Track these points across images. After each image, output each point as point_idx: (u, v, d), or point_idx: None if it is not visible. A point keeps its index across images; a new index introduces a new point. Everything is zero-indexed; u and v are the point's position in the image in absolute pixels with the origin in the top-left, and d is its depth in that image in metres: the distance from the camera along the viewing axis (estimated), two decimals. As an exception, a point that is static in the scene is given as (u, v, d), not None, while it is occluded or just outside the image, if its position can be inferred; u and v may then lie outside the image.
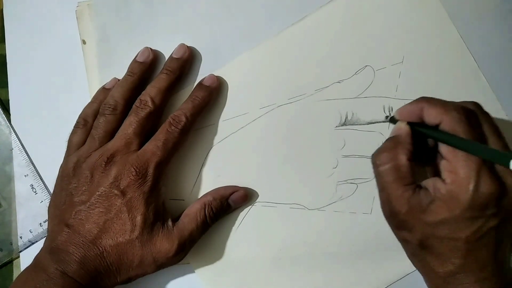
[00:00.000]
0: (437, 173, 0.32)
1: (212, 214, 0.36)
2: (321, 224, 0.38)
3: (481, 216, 0.29)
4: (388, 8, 0.39)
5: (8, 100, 0.41)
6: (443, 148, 0.30)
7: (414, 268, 0.34)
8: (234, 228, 0.39)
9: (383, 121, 0.39)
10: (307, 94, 0.39)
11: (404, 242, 0.33)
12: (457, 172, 0.29)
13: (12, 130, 0.40)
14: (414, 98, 0.33)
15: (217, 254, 0.39)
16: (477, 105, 0.32)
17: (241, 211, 0.39)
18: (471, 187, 0.29)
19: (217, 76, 0.38)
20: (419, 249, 0.32)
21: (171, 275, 0.39)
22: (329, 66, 0.39)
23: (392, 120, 0.34)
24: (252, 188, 0.39)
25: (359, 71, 0.39)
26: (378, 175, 0.32)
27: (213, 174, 0.39)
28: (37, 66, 0.41)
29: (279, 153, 0.39)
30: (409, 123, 0.32)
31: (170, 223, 0.35)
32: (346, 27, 0.39)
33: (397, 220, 0.32)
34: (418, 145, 0.33)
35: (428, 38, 0.39)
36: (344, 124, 0.39)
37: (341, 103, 0.39)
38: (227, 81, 0.39)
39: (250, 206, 0.39)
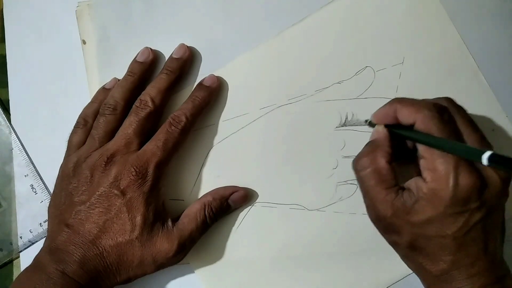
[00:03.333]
0: (420, 172, 0.31)
1: (212, 214, 0.36)
2: (321, 224, 0.38)
3: (465, 211, 0.29)
4: (388, 9, 0.39)
5: (8, 100, 0.41)
6: (420, 147, 0.30)
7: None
8: (234, 228, 0.39)
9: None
10: (307, 94, 0.39)
11: (394, 245, 0.33)
12: (435, 169, 0.29)
13: (12, 130, 0.40)
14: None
15: (217, 254, 0.39)
16: (449, 100, 0.32)
17: (241, 211, 0.39)
18: (450, 182, 0.28)
19: (217, 76, 0.38)
20: (409, 251, 0.32)
21: (171, 275, 0.39)
22: (329, 67, 0.39)
23: (371, 124, 0.34)
24: (252, 188, 0.39)
25: (359, 72, 0.39)
26: (360, 180, 0.32)
27: (213, 174, 0.39)
28: (37, 66, 0.41)
29: (279, 153, 0.39)
30: (387, 126, 0.32)
31: (170, 223, 0.35)
32: (347, 27, 0.39)
33: (383, 224, 0.32)
34: (401, 145, 0.33)
35: (428, 38, 0.39)
36: (344, 124, 0.39)
37: (341, 103, 0.39)
38: (227, 81, 0.39)
39: (250, 206, 0.39)
